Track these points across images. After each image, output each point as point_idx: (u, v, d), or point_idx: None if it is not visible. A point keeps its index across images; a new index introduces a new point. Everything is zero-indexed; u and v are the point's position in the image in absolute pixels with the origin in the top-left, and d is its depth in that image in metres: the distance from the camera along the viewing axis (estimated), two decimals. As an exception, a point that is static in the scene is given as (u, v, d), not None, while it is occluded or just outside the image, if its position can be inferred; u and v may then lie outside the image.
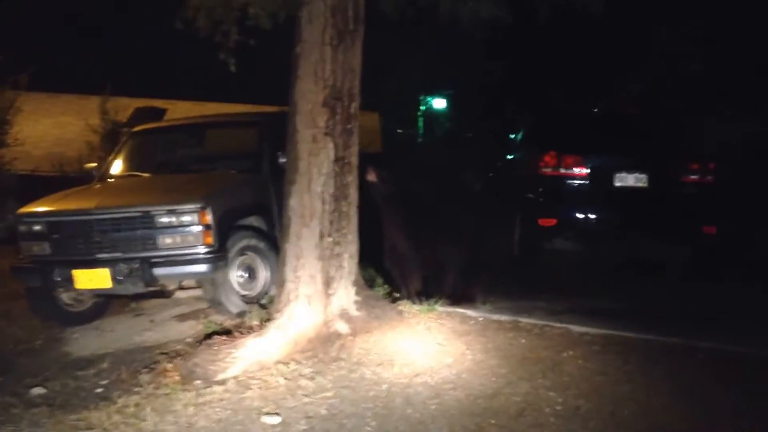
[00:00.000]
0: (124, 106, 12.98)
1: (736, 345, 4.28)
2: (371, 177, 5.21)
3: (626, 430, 3.24)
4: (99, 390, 4.29)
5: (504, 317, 5.02)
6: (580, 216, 6.91)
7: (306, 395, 3.68)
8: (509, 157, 9.25)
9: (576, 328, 4.71)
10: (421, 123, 22.57)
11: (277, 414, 3.48)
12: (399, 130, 20.71)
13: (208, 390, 3.83)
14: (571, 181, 6.90)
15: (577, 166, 6.87)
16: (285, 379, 3.91)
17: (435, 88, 21.99)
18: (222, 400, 3.71)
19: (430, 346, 4.33)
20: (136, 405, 3.76)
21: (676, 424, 3.30)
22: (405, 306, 5.14)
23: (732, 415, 3.37)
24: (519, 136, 9.13)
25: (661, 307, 5.71)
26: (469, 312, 5.15)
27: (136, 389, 4.04)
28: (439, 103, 23.10)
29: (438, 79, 20.97)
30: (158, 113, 11.43)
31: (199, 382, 4.02)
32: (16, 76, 10.70)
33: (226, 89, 15.03)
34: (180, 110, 14.03)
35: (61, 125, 14.48)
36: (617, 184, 6.85)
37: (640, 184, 6.87)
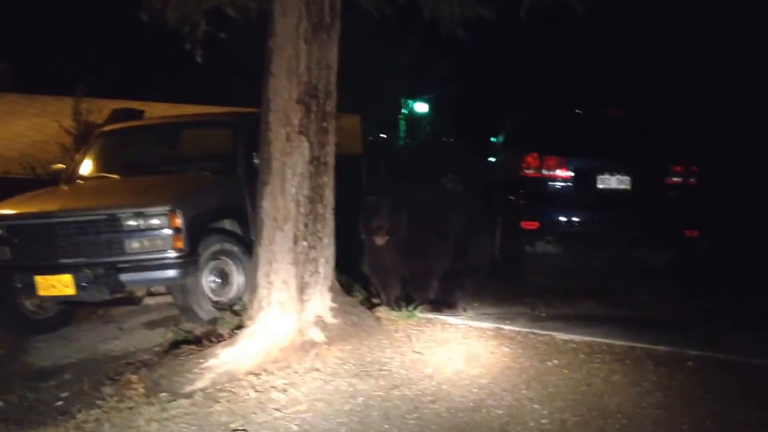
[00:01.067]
0: (100, 108, 12.67)
1: (727, 353, 4.13)
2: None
3: (617, 446, 3.07)
4: (59, 403, 4.07)
5: (486, 324, 4.85)
6: (563, 219, 6.79)
7: (277, 409, 3.47)
8: (491, 159, 9.13)
9: (560, 336, 4.54)
10: (402, 126, 22.47)
11: (245, 430, 3.27)
12: (382, 135, 20.58)
13: (174, 404, 3.61)
14: (553, 183, 6.78)
15: (559, 167, 6.74)
16: (255, 391, 3.70)
17: (417, 91, 21.93)
18: (188, 414, 3.49)
19: (409, 356, 4.14)
20: (96, 420, 3.55)
21: (668, 440, 3.13)
22: (383, 313, 4.96)
23: (728, 429, 3.21)
24: (501, 138, 9.01)
25: (647, 312, 5.60)
26: (450, 319, 4.96)
27: (98, 402, 3.80)
28: (420, 107, 23.05)
29: (420, 83, 20.93)
30: (136, 115, 11.13)
31: (164, 394, 3.79)
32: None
33: (206, 91, 14.82)
34: (158, 112, 13.72)
35: (35, 127, 14.12)
36: (600, 186, 6.74)
37: (623, 187, 6.77)
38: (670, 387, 3.63)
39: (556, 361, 4.01)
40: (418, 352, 4.20)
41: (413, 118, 23.01)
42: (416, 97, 22.31)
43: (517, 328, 4.74)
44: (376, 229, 4.83)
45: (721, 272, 7.03)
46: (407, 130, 22.70)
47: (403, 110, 22.39)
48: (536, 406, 3.40)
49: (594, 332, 4.65)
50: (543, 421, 3.28)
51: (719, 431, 3.19)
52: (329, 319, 4.42)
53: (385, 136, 20.61)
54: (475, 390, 3.63)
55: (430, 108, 23.25)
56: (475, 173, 10.30)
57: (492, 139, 9.66)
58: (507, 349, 4.27)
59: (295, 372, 3.92)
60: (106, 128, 6.91)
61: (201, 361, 3.99)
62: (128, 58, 17.07)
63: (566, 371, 3.86)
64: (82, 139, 10.98)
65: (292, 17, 4.11)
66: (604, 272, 7.61)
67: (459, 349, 4.28)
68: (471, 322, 4.90)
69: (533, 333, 4.62)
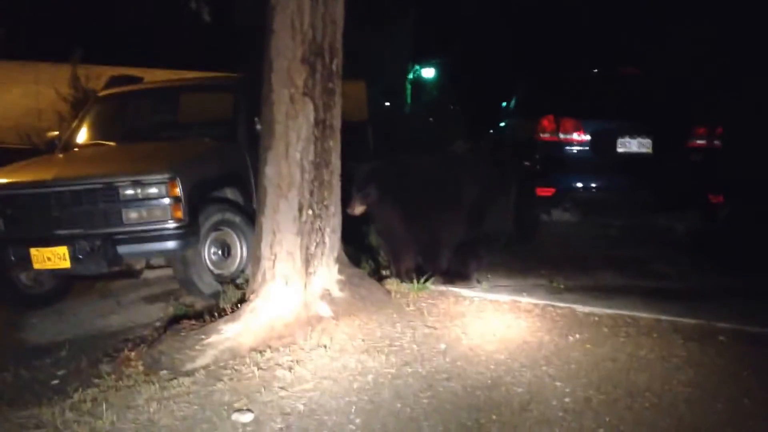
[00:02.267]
0: (99, 74, 12.40)
1: (761, 326, 3.89)
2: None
3: (648, 428, 2.84)
4: (54, 382, 3.90)
5: (502, 297, 4.61)
6: (581, 185, 6.52)
7: (282, 388, 3.27)
8: (502, 125, 8.83)
9: (581, 308, 4.30)
10: (409, 92, 22.11)
11: (249, 410, 3.08)
12: (387, 103, 20.22)
13: (174, 382, 3.43)
14: (570, 148, 6.49)
15: (576, 131, 6.45)
16: (259, 369, 3.50)
17: (424, 56, 21.56)
18: (189, 393, 3.31)
19: (421, 330, 3.92)
20: (93, 400, 3.38)
21: (703, 419, 2.90)
22: (393, 285, 4.73)
23: (767, 407, 2.98)
24: (512, 103, 8.69)
25: (670, 283, 5.35)
26: (464, 291, 4.73)
27: (96, 381, 3.65)
28: (427, 72, 22.68)
29: (427, 47, 20.55)
30: (134, 81, 10.90)
31: (164, 372, 3.63)
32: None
33: (206, 56, 14.47)
34: (157, 78, 13.49)
35: (32, 94, 13.88)
36: (620, 150, 6.44)
37: (644, 150, 6.46)
38: (702, 363, 3.39)
39: (577, 336, 3.78)
40: (431, 327, 3.98)
41: (420, 83, 22.64)
42: (423, 62, 21.93)
43: (534, 301, 4.50)
44: (347, 199, 4.58)
45: (746, 240, 6.77)
46: (413, 95, 22.35)
47: (409, 75, 22.01)
48: (558, 384, 3.19)
49: (616, 304, 4.42)
50: (566, 399, 3.08)
51: (757, 410, 2.97)
52: (336, 292, 4.22)
53: (388, 103, 20.23)
54: (492, 366, 3.41)
55: (437, 73, 22.88)
56: (486, 139, 10.02)
57: (503, 104, 9.34)
58: (524, 323, 4.05)
59: (301, 348, 3.73)
60: (102, 93, 6.64)
61: (202, 337, 3.80)
62: (128, 23, 16.72)
63: (588, 346, 3.64)
64: (80, 106, 10.75)
65: (295, -30, 3.82)
66: (624, 241, 7.38)
67: (474, 323, 4.06)
68: (486, 295, 4.67)
69: (552, 306, 4.38)
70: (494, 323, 4.05)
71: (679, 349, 3.57)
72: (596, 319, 4.11)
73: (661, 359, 3.45)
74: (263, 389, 3.27)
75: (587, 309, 4.29)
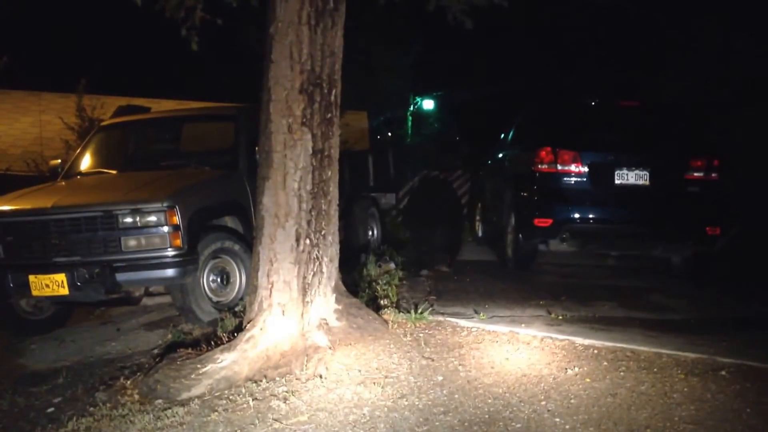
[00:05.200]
0: (107, 105, 12.54)
1: (763, 361, 3.81)
2: None
3: (647, 466, 2.79)
4: (50, 410, 3.88)
5: (500, 328, 4.57)
6: (578, 215, 6.51)
7: (277, 419, 3.23)
8: (499, 156, 8.84)
9: (581, 341, 4.25)
10: (409, 123, 22.26)
11: (242, 443, 3.04)
12: (389, 133, 20.33)
13: (169, 412, 3.40)
14: (568, 179, 6.50)
15: (574, 162, 6.47)
16: (254, 399, 3.47)
17: (424, 89, 21.74)
18: (183, 424, 3.27)
19: (418, 362, 3.88)
20: (87, 429, 3.39)
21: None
22: (391, 315, 4.70)
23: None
24: (511, 133, 8.72)
25: (669, 314, 5.30)
26: (462, 322, 4.70)
27: (91, 409, 3.64)
28: (428, 104, 22.86)
29: (427, 80, 20.73)
30: (141, 111, 11.01)
31: (159, 401, 3.61)
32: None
33: (212, 88, 14.59)
34: (164, 108, 13.64)
35: (40, 124, 14.07)
36: (618, 181, 6.45)
37: (641, 182, 6.47)
38: (703, 399, 3.33)
39: (576, 369, 3.73)
40: (428, 358, 3.94)
41: (420, 115, 22.80)
42: (423, 94, 22.11)
43: (533, 332, 4.45)
44: None
45: (744, 271, 6.74)
46: (413, 126, 22.49)
47: (410, 107, 22.17)
48: (557, 420, 3.14)
49: (615, 337, 4.36)
50: (565, 436, 3.03)
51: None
52: (333, 321, 4.20)
53: (390, 134, 20.34)
54: (489, 400, 3.37)
55: (436, 105, 23.07)
56: (484, 170, 10.03)
57: (501, 135, 9.37)
58: (523, 355, 4.00)
59: (297, 379, 3.70)
60: (105, 122, 6.69)
61: (198, 366, 3.77)
62: (136, 55, 16.92)
63: (588, 380, 3.59)
64: (86, 135, 10.84)
65: (294, 1, 3.87)
66: (622, 271, 7.36)
67: (471, 354, 4.02)
68: (484, 326, 4.64)
69: (550, 337, 4.33)
70: (492, 355, 4.01)
71: (680, 384, 3.51)
72: (596, 351, 4.05)
73: (662, 395, 3.39)
74: (257, 421, 3.23)
75: (587, 341, 4.23)
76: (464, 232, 10.95)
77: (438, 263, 7.51)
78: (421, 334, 4.36)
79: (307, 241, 4.02)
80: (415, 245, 9.61)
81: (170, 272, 4.78)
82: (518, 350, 4.09)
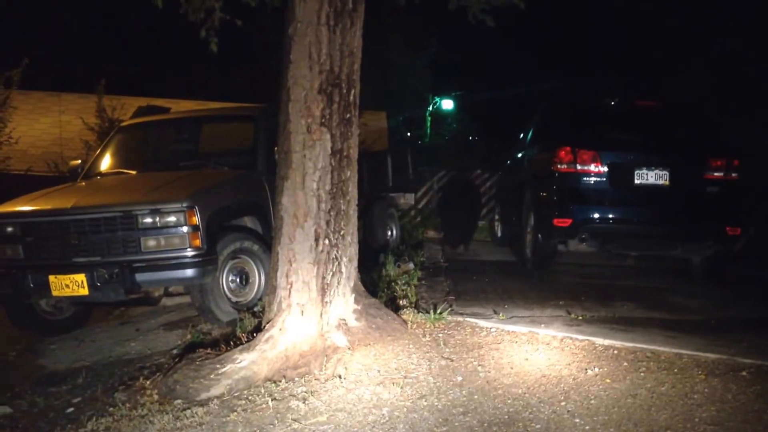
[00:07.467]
0: (127, 105, 12.64)
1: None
2: None
3: (669, 468, 2.76)
4: (69, 410, 3.92)
5: (519, 328, 4.54)
6: (598, 215, 6.46)
7: (296, 420, 3.23)
8: (518, 156, 8.80)
9: (600, 341, 4.21)
10: (428, 123, 22.24)
11: (261, 443, 3.04)
12: (408, 133, 20.34)
13: (188, 412, 3.41)
14: (587, 179, 6.45)
15: (594, 162, 6.42)
16: (274, 399, 3.47)
17: (443, 89, 21.72)
18: (202, 424, 3.28)
19: (437, 362, 3.87)
20: (106, 429, 3.40)
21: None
22: (410, 315, 4.69)
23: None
24: (529, 134, 8.67)
25: (689, 315, 5.24)
26: (481, 322, 4.68)
27: (110, 409, 3.66)
28: (447, 104, 22.83)
29: (446, 80, 20.72)
30: (161, 112, 11.12)
31: (178, 401, 3.62)
32: (8, 73, 10.27)
33: (233, 89, 14.66)
34: (184, 109, 13.73)
35: (60, 124, 14.20)
36: (637, 181, 6.39)
37: (661, 182, 6.41)
38: (724, 400, 3.29)
39: (596, 370, 3.70)
40: (447, 358, 3.93)
41: (440, 115, 22.78)
42: (442, 94, 22.09)
43: (552, 333, 4.42)
44: None
45: (763, 271, 6.65)
46: (432, 127, 22.48)
47: (429, 107, 22.15)
48: (577, 420, 3.11)
49: (635, 337, 4.32)
50: (585, 437, 3.00)
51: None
52: (352, 322, 4.19)
53: (409, 134, 20.34)
54: (509, 401, 3.34)
55: (455, 105, 23.03)
56: (503, 170, 10.00)
57: (521, 135, 9.32)
58: (542, 356, 3.97)
59: (316, 379, 3.69)
60: (125, 123, 6.74)
61: (218, 366, 3.77)
62: (156, 55, 17.04)
63: (608, 381, 3.55)
64: (106, 135, 10.94)
65: (313, 1, 3.87)
66: (641, 271, 7.29)
67: (491, 355, 4.00)
68: (503, 326, 4.61)
69: (570, 338, 4.29)
70: (512, 355, 3.99)
71: (701, 385, 3.47)
72: (615, 352, 4.02)
73: (682, 396, 3.35)
74: (276, 421, 3.23)
75: (606, 342, 4.20)
76: (483, 232, 10.91)
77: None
78: (441, 335, 4.35)
79: (326, 241, 4.02)
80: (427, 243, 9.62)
81: (189, 272, 4.79)
82: (538, 351, 4.07)
